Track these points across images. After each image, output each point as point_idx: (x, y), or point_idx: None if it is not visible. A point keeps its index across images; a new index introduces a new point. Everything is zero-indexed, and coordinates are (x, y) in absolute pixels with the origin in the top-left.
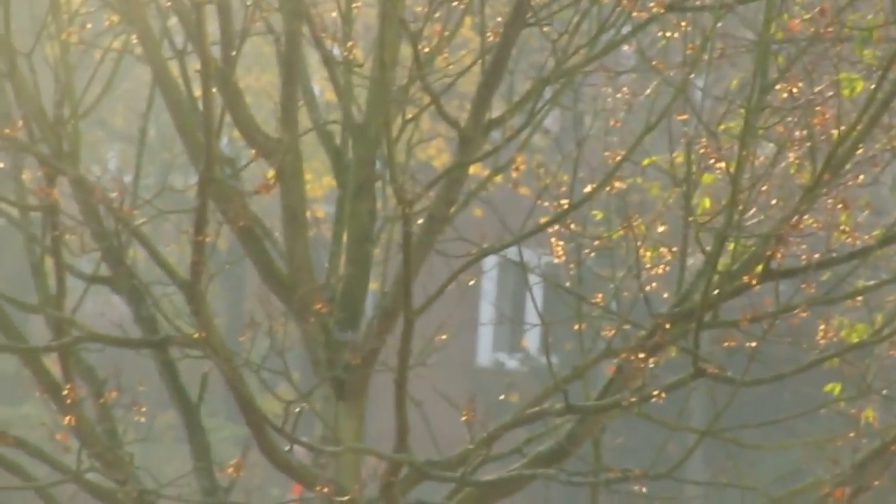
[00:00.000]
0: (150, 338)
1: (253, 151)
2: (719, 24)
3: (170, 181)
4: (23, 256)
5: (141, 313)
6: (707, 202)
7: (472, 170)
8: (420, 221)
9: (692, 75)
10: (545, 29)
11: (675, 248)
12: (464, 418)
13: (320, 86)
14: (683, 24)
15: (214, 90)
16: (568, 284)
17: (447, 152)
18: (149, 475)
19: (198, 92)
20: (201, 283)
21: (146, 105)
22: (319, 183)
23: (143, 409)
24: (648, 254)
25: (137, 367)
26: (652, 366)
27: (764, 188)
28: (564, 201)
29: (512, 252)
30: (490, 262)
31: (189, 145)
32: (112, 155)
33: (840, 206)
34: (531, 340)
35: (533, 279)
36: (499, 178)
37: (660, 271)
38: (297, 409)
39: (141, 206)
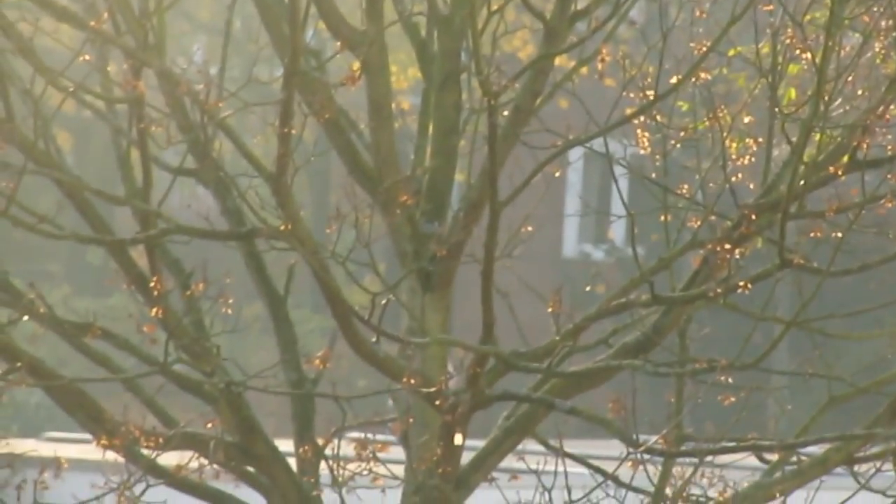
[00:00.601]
0: (237, 230)
1: (338, 43)
2: None
3: (255, 73)
4: (110, 149)
5: (227, 205)
6: (793, 93)
7: (557, 61)
8: (505, 113)
9: None
10: None
11: (760, 139)
12: (550, 309)
13: None
14: None
15: None
16: (653, 176)
17: (533, 44)
18: (236, 367)
19: None
20: (287, 176)
21: None
22: (405, 75)
23: (230, 302)
24: (734, 145)
25: (224, 260)
26: (738, 257)
27: (850, 78)
28: (650, 92)
29: (597, 143)
30: (576, 153)
31: (274, 37)
32: (197, 47)
33: None
34: (617, 232)
35: (618, 171)
36: (584, 70)
37: (745, 162)
38: (384, 301)
39: (226, 99)
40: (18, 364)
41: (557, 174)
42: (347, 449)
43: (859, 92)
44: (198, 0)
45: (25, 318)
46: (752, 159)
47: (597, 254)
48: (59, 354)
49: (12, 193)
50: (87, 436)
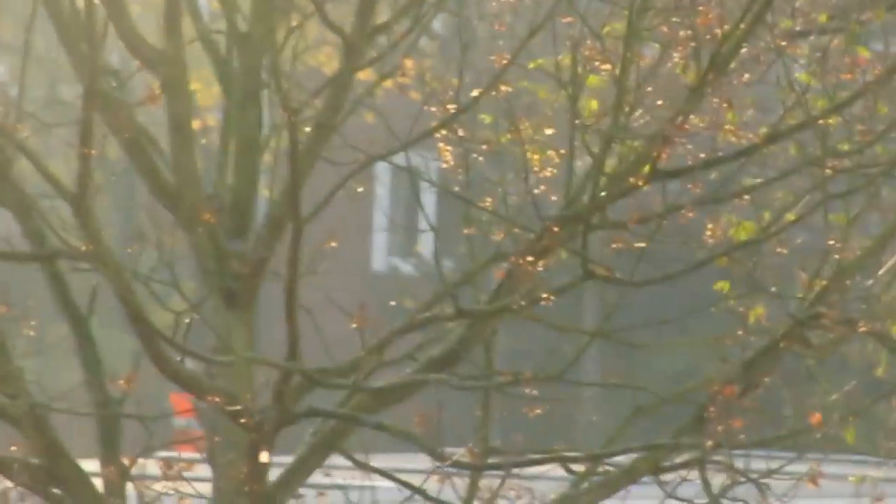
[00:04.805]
0: (38, 251)
1: (138, 62)
2: None
3: (56, 93)
4: None
5: (29, 227)
6: (594, 104)
7: (362, 75)
8: (307, 129)
9: None
10: None
11: (562, 151)
12: (354, 325)
13: None
14: None
15: (96, 1)
16: (457, 189)
17: (338, 58)
18: (41, 389)
19: (80, 3)
20: (88, 196)
21: (29, 17)
22: (209, 92)
23: (33, 323)
24: (536, 157)
25: (28, 282)
26: (541, 269)
27: (649, 89)
28: (452, 106)
29: (401, 158)
30: (383, 168)
31: (73, 57)
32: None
33: (725, 105)
34: (425, 245)
35: (424, 184)
36: (387, 84)
37: (548, 174)
38: (188, 320)
39: (26, 119)
40: None
41: (361, 189)
42: (154, 468)
43: (659, 102)
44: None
45: None
46: (555, 171)
47: (406, 267)
48: None
49: None
50: None
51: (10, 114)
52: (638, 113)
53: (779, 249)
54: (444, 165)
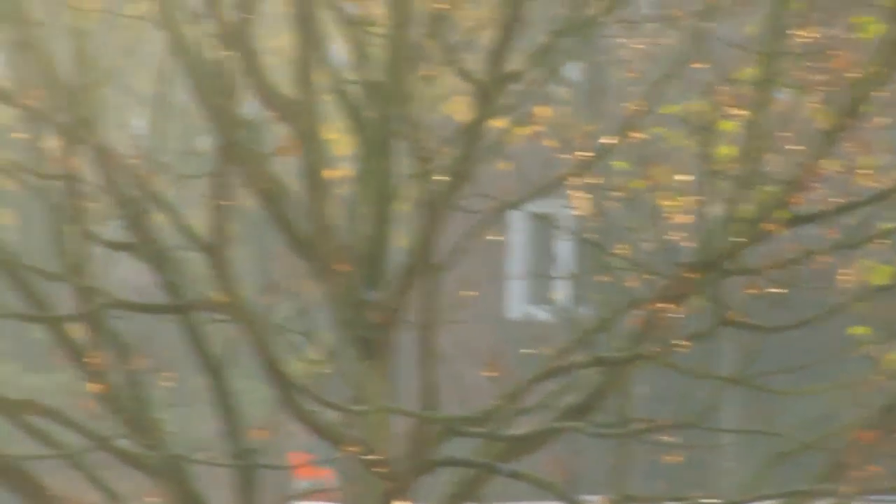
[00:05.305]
0: (175, 303)
1: (272, 114)
2: None
3: (192, 145)
4: (46, 226)
5: (165, 278)
6: (727, 150)
7: (493, 124)
8: (441, 178)
9: (710, 23)
10: None
11: (695, 197)
12: (489, 373)
13: (337, 45)
14: None
15: (231, 53)
16: (591, 236)
17: (471, 106)
18: (180, 440)
19: (215, 56)
20: (223, 248)
21: (165, 70)
22: (343, 142)
23: (171, 375)
24: (669, 203)
25: (165, 333)
26: (676, 315)
27: (783, 134)
28: (585, 152)
29: (535, 205)
30: (517, 215)
31: (208, 109)
32: (137, 120)
33: (860, 149)
34: (561, 292)
35: (558, 232)
36: (520, 132)
37: (681, 220)
38: (324, 370)
39: (162, 171)
40: None
41: (495, 237)
42: None
43: (793, 147)
44: (137, 72)
45: None
46: (688, 217)
47: (540, 315)
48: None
49: None
50: None
51: (145, 165)
52: (772, 158)
53: None
54: (578, 212)
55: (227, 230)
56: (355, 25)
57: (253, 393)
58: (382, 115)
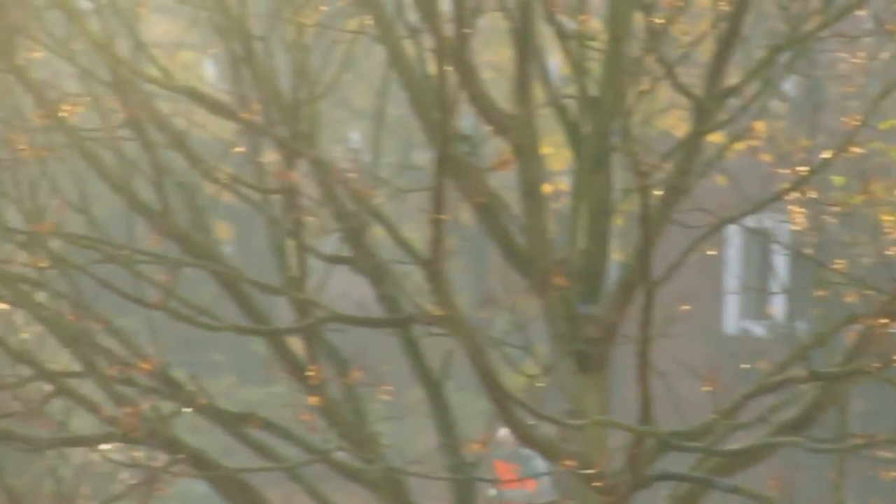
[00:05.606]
0: (393, 317)
1: (490, 128)
2: None
3: (409, 159)
4: (265, 239)
5: (383, 292)
6: None
7: (710, 138)
8: (658, 192)
9: None
10: None
11: None
12: (706, 388)
13: (555, 60)
14: None
15: (448, 68)
16: (809, 251)
17: (689, 121)
18: (397, 453)
19: (432, 70)
20: (441, 262)
21: (383, 84)
22: (560, 156)
23: (389, 388)
24: (889, 218)
25: (382, 346)
26: (895, 330)
27: None
28: (803, 167)
29: (752, 220)
30: (734, 230)
31: (426, 123)
32: (354, 134)
33: None
34: (778, 308)
35: (776, 247)
36: (737, 146)
37: None
38: (541, 384)
39: (380, 186)
40: (181, 455)
41: (712, 252)
42: None
43: None
44: (353, 87)
45: (187, 409)
46: None
47: (758, 330)
48: (224, 443)
49: (170, 287)
50: None
51: (364, 180)
52: None
53: None
54: (796, 227)
55: (444, 244)
56: (573, 40)
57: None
58: (600, 129)
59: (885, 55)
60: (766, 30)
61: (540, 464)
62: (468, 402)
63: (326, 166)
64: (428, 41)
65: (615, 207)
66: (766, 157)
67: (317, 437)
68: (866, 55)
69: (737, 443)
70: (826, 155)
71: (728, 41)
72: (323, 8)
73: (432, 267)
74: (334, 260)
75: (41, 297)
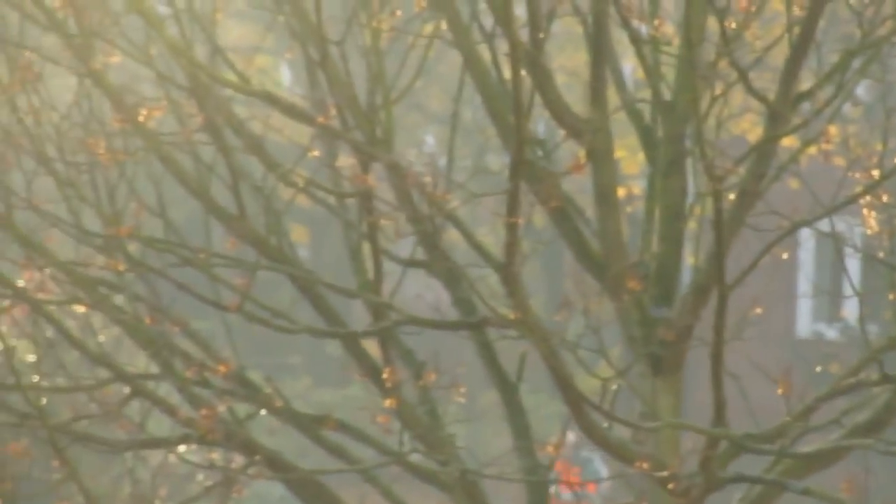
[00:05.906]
0: (468, 319)
1: (563, 132)
2: None
3: (484, 163)
4: (341, 243)
5: (458, 295)
6: None
7: (783, 142)
8: (731, 196)
9: None
10: (851, 1)
11: None
12: (779, 391)
13: (629, 64)
14: None
15: (523, 72)
16: (881, 254)
17: (762, 125)
18: (472, 455)
19: (507, 74)
20: (515, 265)
21: (457, 89)
22: (634, 159)
23: (463, 390)
24: None
25: (457, 349)
26: None
27: None
28: (876, 171)
29: (826, 224)
30: (806, 233)
31: (500, 127)
32: (429, 138)
33: None
34: (851, 310)
35: (848, 250)
36: (810, 151)
37: None
38: (615, 387)
39: (454, 189)
40: (257, 457)
41: (785, 256)
42: None
43: None
44: (428, 91)
45: (263, 411)
46: None
47: (830, 333)
48: (300, 445)
49: (246, 290)
50: None
51: (439, 184)
52: None
53: None
54: (869, 231)
55: (518, 248)
56: (647, 44)
57: (544, 408)
58: (673, 133)
59: None
60: (839, 34)
61: (600, 467)
62: (542, 405)
63: (402, 170)
64: (503, 46)
65: (689, 211)
66: (839, 161)
67: (392, 439)
68: None
69: (809, 445)
70: None
71: (801, 46)
72: (398, 13)
73: (507, 270)
74: (409, 263)
75: (119, 300)
